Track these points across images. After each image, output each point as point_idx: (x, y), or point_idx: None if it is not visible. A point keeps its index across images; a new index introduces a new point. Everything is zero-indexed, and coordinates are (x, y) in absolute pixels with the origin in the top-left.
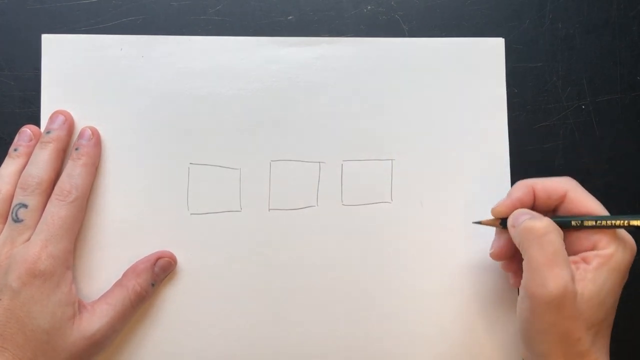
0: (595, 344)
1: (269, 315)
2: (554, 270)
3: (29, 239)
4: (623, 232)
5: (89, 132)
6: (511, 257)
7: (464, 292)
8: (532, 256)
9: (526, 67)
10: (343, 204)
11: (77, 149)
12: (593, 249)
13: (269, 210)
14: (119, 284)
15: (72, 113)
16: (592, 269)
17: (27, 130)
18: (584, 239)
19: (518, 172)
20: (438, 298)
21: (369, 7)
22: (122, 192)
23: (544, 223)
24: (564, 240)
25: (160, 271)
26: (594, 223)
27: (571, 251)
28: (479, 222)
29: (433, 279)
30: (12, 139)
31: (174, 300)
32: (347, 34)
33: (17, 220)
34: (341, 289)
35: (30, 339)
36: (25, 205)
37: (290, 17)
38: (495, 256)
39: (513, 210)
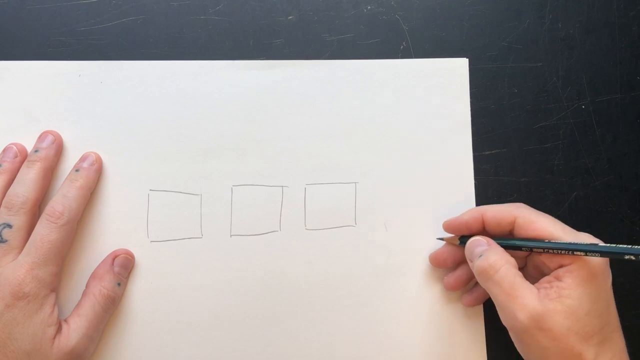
0: (602, 354)
1: (232, 342)
2: (517, 301)
3: (14, 259)
4: (585, 239)
5: (92, 156)
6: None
7: (428, 315)
8: (494, 295)
9: (526, 67)
10: (306, 229)
11: (78, 170)
12: (560, 265)
13: (231, 236)
14: (85, 293)
15: (27, 141)
16: (566, 286)
17: (12, 147)
18: (548, 258)
19: (519, 172)
20: (404, 322)
21: (369, 7)
22: (82, 218)
23: (490, 262)
24: (536, 261)
25: (121, 269)
26: (542, 250)
27: (545, 270)
28: (442, 239)
29: (399, 303)
30: None
31: (135, 328)
32: (347, 33)
33: (1, 240)
34: (306, 315)
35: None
36: (9, 225)
37: (290, 17)
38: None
39: (460, 230)
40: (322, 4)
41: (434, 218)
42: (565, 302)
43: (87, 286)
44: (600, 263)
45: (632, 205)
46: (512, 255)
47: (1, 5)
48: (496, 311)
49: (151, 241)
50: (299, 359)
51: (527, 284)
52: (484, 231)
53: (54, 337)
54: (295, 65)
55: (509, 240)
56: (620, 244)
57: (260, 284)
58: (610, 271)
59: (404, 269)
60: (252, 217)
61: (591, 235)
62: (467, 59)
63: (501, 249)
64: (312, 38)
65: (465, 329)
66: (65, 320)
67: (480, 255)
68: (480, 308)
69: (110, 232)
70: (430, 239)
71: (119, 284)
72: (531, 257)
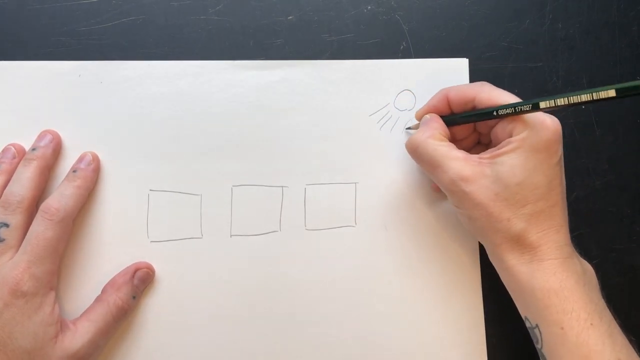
0: (533, 228)
1: (232, 342)
2: (438, 170)
3: (11, 258)
4: (541, 116)
5: (89, 156)
6: None
7: (428, 315)
8: (423, 169)
9: (526, 67)
10: (306, 229)
11: (75, 171)
12: (510, 136)
13: (231, 236)
14: (99, 299)
15: (26, 141)
16: (502, 152)
17: (11, 147)
18: (501, 130)
19: None
20: (404, 322)
21: (369, 7)
22: (82, 218)
23: (412, 140)
24: (493, 136)
25: (140, 283)
26: (496, 113)
27: (496, 141)
28: (410, 128)
29: (399, 303)
30: None
31: (134, 328)
32: (347, 33)
33: None
34: (306, 315)
35: (11, 359)
36: (6, 225)
37: (290, 17)
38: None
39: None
40: (322, 4)
41: (434, 218)
42: (495, 168)
43: (102, 292)
44: (549, 138)
45: (632, 205)
46: (475, 130)
47: (1, 6)
48: (496, 311)
49: (151, 241)
50: (299, 359)
51: (452, 153)
52: (451, 111)
53: (56, 337)
54: (295, 65)
55: (450, 115)
56: (620, 244)
57: (260, 284)
58: (561, 149)
59: (404, 269)
60: (252, 217)
61: (549, 115)
62: (467, 59)
63: (434, 125)
64: (312, 38)
65: (465, 329)
66: (74, 323)
67: (409, 137)
68: (481, 308)
69: (110, 232)
70: (431, 239)
71: (134, 297)
72: (494, 133)
